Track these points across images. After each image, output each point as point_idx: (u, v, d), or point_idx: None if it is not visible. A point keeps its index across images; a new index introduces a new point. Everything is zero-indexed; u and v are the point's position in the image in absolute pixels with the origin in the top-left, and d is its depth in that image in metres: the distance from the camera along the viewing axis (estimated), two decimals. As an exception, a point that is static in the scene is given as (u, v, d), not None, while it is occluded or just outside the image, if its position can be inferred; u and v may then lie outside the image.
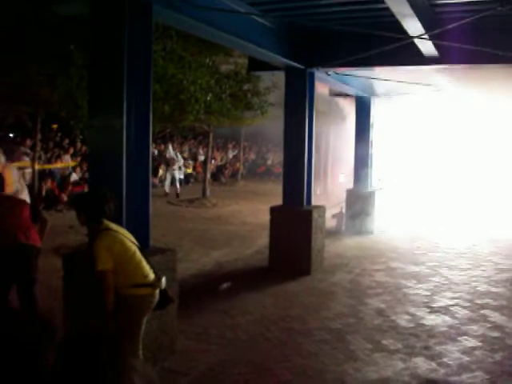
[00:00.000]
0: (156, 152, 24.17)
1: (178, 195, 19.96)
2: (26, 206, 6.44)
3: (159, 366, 5.40)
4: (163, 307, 4.86)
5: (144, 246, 5.52)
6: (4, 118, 21.25)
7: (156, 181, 21.77)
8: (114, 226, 4.56)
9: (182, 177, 22.07)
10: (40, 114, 15.23)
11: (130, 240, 4.55)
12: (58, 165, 19.00)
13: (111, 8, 5.29)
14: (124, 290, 4.43)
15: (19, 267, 6.19)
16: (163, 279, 4.64)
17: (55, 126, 24.73)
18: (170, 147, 22.26)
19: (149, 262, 4.64)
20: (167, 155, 21.86)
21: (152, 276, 4.58)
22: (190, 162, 23.69)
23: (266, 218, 9.95)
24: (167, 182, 21.03)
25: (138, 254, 4.54)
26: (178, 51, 12.03)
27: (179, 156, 22.25)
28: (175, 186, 20.62)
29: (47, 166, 18.01)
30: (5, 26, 10.05)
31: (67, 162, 19.35)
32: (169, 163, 21.46)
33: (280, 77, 10.89)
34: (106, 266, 4.28)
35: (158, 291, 4.62)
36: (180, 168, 21.65)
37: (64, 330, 4.51)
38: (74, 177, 18.12)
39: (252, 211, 16.49)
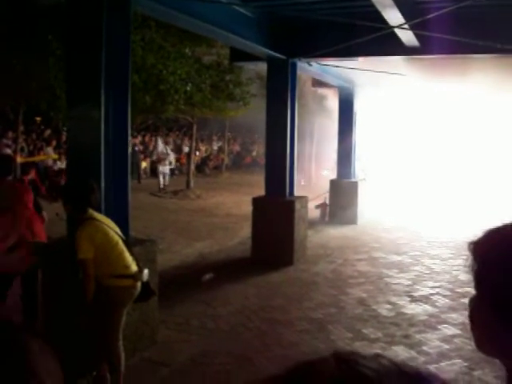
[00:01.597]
0: (137, 144, 23.88)
1: (161, 189, 19.72)
2: (31, 195, 6.11)
3: (139, 356, 5.39)
4: (145, 299, 4.85)
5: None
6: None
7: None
8: (98, 215, 4.56)
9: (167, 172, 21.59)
10: (22, 106, 15.10)
11: (113, 230, 4.54)
12: (41, 157, 18.89)
13: (89, -4, 5.25)
14: (105, 281, 4.42)
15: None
16: (145, 271, 4.62)
17: (39, 118, 24.52)
18: (160, 142, 21.99)
19: (132, 254, 4.62)
20: (158, 150, 21.49)
21: (134, 268, 4.57)
22: (171, 154, 23.41)
23: (249, 209, 9.95)
24: (161, 178, 20.43)
25: (121, 244, 4.52)
26: (157, 41, 11.97)
27: (169, 150, 22.00)
28: (164, 179, 20.40)
29: (30, 159, 17.87)
30: None
31: (49, 154, 19.23)
32: (159, 159, 21.08)
33: (263, 67, 10.87)
34: (87, 255, 4.27)
35: (139, 283, 4.60)
36: (170, 163, 21.30)
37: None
38: (59, 165, 18.04)
39: (236, 202, 16.48)
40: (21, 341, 0.72)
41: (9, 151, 16.49)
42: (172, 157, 21.87)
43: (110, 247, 4.42)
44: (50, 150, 19.32)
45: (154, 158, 21.80)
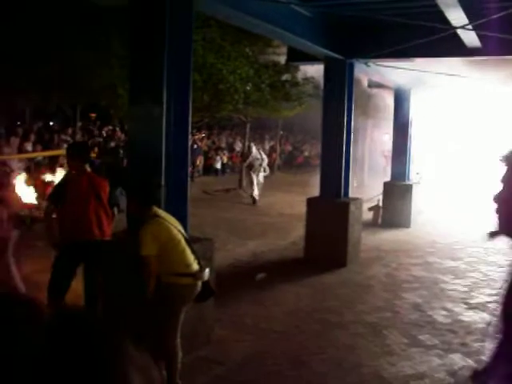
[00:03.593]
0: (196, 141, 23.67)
1: (254, 200, 17.09)
2: (107, 188, 6.08)
3: (195, 354, 5.43)
4: (205, 299, 4.88)
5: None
6: (45, 106, 21.60)
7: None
8: (162, 213, 4.60)
9: (261, 180, 18.25)
10: (80, 103, 15.44)
11: (176, 228, 4.57)
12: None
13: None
14: (166, 278, 4.46)
15: (89, 264, 5.95)
16: (206, 271, 4.64)
17: (94, 115, 25.03)
18: (254, 147, 18.95)
19: (194, 253, 4.65)
20: (250, 156, 18.38)
21: (196, 266, 4.59)
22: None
23: (302, 209, 9.91)
24: (255, 187, 17.52)
25: (183, 243, 4.55)
26: (217, 41, 12.04)
27: (263, 155, 18.94)
28: (254, 187, 17.51)
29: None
30: (45, 15, 10.19)
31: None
32: (253, 165, 18.14)
33: (315, 68, 10.81)
34: (151, 252, 4.32)
35: (199, 282, 4.62)
36: (264, 170, 18.37)
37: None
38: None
39: (288, 202, 16.45)
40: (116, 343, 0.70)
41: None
42: (266, 162, 18.71)
43: (173, 245, 4.46)
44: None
45: (246, 164, 18.71)
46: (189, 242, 4.66)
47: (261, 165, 18.05)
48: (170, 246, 4.44)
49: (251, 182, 17.64)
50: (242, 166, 19.69)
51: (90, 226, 5.84)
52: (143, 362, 0.71)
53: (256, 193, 17.35)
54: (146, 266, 4.33)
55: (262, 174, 17.97)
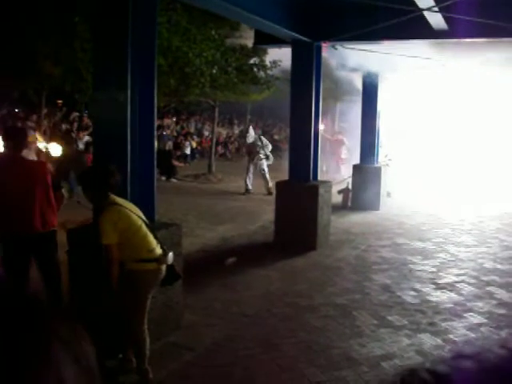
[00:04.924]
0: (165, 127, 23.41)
1: (270, 191, 14.97)
2: (49, 173, 5.55)
3: (164, 340, 5.39)
4: (171, 283, 4.85)
5: (150, 222, 5.51)
6: (8, 92, 21.14)
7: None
8: (120, 200, 4.53)
9: (265, 168, 16.33)
10: (45, 89, 15.15)
11: (136, 214, 4.52)
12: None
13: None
14: (129, 265, 4.42)
15: (38, 257, 5.53)
16: (170, 255, 4.61)
17: (60, 101, 24.60)
18: (252, 130, 17.13)
19: (156, 237, 4.61)
20: (248, 141, 16.83)
21: (158, 251, 4.55)
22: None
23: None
24: (250, 176, 16.34)
25: (144, 228, 4.50)
26: (183, 23, 11.90)
27: (265, 141, 17.04)
28: (265, 178, 16.06)
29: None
30: None
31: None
32: (251, 151, 16.73)
33: (283, 51, 10.76)
34: (111, 241, 4.26)
35: (164, 266, 4.58)
36: (267, 157, 16.54)
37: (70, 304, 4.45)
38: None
39: (257, 186, 16.40)
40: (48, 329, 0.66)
41: (32, 133, 16.56)
42: (270, 148, 16.86)
43: (133, 232, 4.41)
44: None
45: (244, 150, 17.59)
46: (150, 227, 4.61)
47: (260, 152, 16.46)
48: (131, 233, 4.39)
49: (247, 173, 16.28)
50: (211, 150, 19.56)
51: (29, 217, 5.35)
52: (75, 342, 0.67)
53: (249, 184, 16.15)
54: (107, 255, 4.27)
55: (264, 162, 16.32)
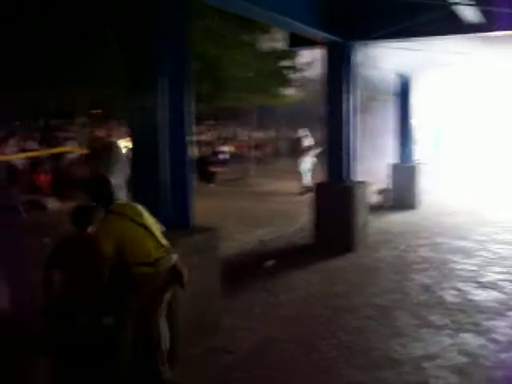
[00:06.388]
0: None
1: (306, 190, 15.12)
2: None
3: (203, 344, 5.42)
4: (177, 282, 4.71)
5: (186, 226, 5.55)
6: (45, 104, 21.53)
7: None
8: (117, 207, 4.56)
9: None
10: (79, 100, 15.36)
11: (133, 220, 4.52)
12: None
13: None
14: (131, 269, 4.47)
15: None
16: (170, 256, 4.59)
17: (97, 111, 24.89)
18: (305, 132, 17.43)
19: (158, 241, 4.58)
20: (304, 143, 17.04)
21: (158, 254, 4.52)
22: (233, 142, 19.08)
23: (308, 195, 9.85)
24: (309, 174, 16.45)
25: (141, 233, 4.48)
26: (216, 29, 11.96)
27: (309, 138, 17.48)
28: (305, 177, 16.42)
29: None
30: (39, 10, 10.12)
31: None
32: (304, 152, 16.90)
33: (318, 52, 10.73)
34: (107, 248, 4.31)
35: (161, 269, 4.51)
36: (314, 155, 16.86)
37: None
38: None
39: (294, 189, 16.39)
40: None
41: (69, 144, 16.84)
42: (315, 147, 16.94)
43: (130, 238, 4.45)
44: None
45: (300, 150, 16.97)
46: (150, 230, 4.57)
47: (307, 150, 16.81)
48: (129, 239, 4.43)
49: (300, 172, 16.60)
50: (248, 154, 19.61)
51: None
52: None
53: (305, 182, 16.23)
54: (103, 261, 4.31)
55: (309, 160, 16.70)
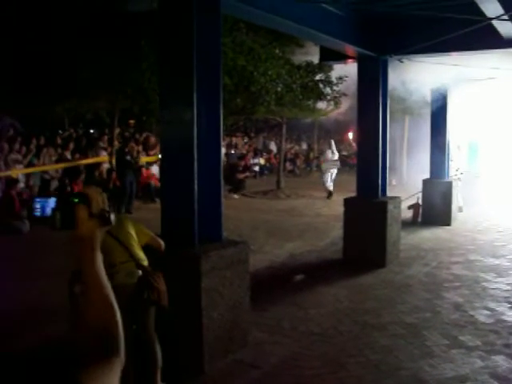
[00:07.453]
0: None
1: (329, 193, 17.96)
2: None
3: (231, 357, 5.40)
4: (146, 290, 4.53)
5: (216, 239, 5.56)
6: (83, 114, 21.92)
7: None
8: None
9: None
10: (117, 110, 15.60)
11: (110, 232, 4.27)
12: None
13: (179, 1, 5.32)
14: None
15: None
16: (131, 271, 4.47)
17: (132, 121, 25.22)
18: (333, 144, 19.13)
19: (132, 254, 4.48)
20: (328, 155, 18.77)
21: (126, 267, 4.43)
22: (264, 155, 20.04)
23: (340, 209, 9.81)
24: (331, 184, 18.31)
25: (110, 245, 4.25)
26: (247, 43, 12.04)
27: (335, 151, 19.22)
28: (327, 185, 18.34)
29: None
30: (76, 22, 10.32)
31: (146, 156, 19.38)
32: (327, 163, 18.70)
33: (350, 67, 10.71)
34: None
35: (120, 283, 4.23)
36: (337, 164, 18.93)
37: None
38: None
39: (326, 202, 16.35)
40: None
41: (104, 154, 17.04)
42: (336, 156, 19.13)
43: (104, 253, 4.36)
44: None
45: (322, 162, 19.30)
46: (121, 242, 4.45)
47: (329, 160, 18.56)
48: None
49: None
50: (279, 167, 19.85)
51: None
52: None
53: (327, 186, 18.15)
54: None
55: (333, 170, 18.51)
